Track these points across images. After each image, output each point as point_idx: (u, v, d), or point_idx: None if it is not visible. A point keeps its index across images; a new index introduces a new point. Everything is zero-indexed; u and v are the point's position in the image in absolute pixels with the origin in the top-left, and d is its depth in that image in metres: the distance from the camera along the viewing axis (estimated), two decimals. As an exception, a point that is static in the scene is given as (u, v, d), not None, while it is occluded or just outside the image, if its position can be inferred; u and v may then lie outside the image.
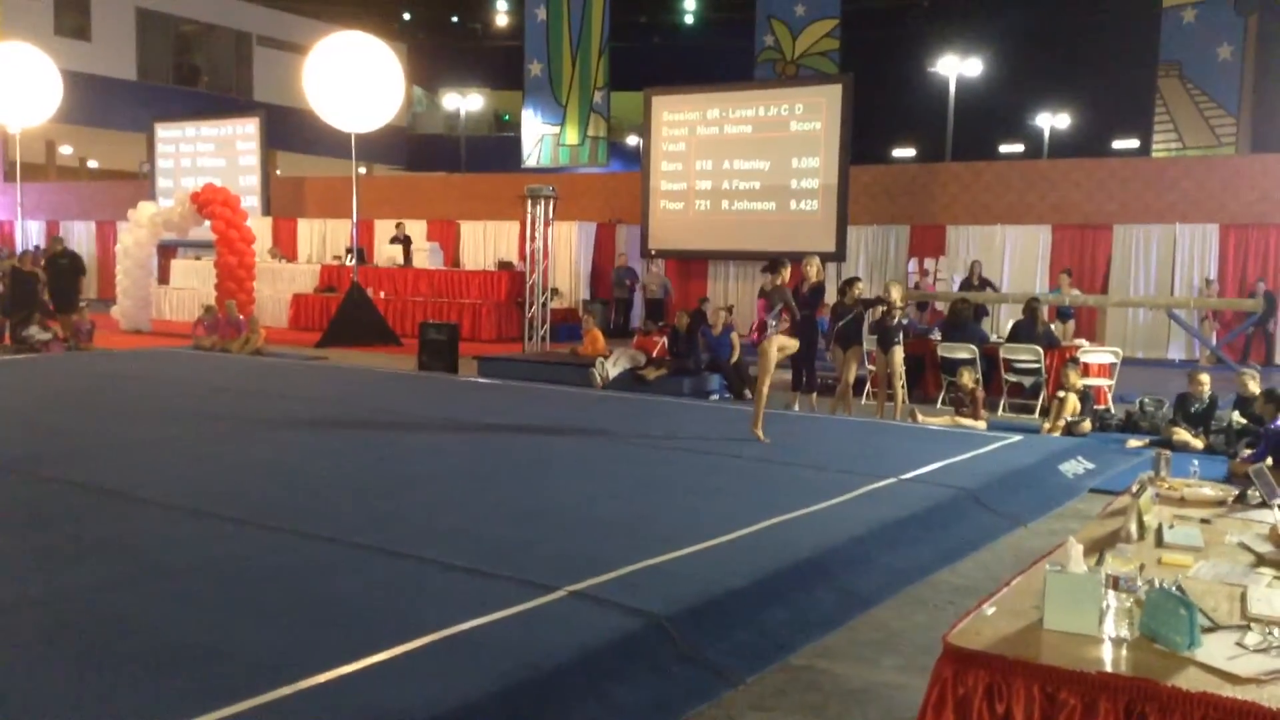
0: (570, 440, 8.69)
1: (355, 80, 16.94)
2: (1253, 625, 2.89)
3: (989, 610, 3.01)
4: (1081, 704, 2.58)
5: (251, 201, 24.20)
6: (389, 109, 17.83)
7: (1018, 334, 11.93)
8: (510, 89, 33.57)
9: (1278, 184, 17.05)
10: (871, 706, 3.92)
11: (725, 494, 6.66)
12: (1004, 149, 34.60)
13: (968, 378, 10.55)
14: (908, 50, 32.71)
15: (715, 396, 12.28)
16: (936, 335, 12.64)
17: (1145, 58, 22.81)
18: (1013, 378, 11.58)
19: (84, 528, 5.53)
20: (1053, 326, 13.07)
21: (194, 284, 22.19)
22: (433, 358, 14.01)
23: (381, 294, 19.92)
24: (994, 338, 12.90)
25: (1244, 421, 8.88)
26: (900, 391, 10.72)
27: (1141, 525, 3.86)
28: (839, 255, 18.30)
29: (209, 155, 26.26)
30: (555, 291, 18.86)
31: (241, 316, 16.63)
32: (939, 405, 11.41)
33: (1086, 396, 10.26)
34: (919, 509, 6.39)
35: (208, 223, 19.25)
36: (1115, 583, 2.86)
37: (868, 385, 11.86)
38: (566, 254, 20.78)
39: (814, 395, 11.03)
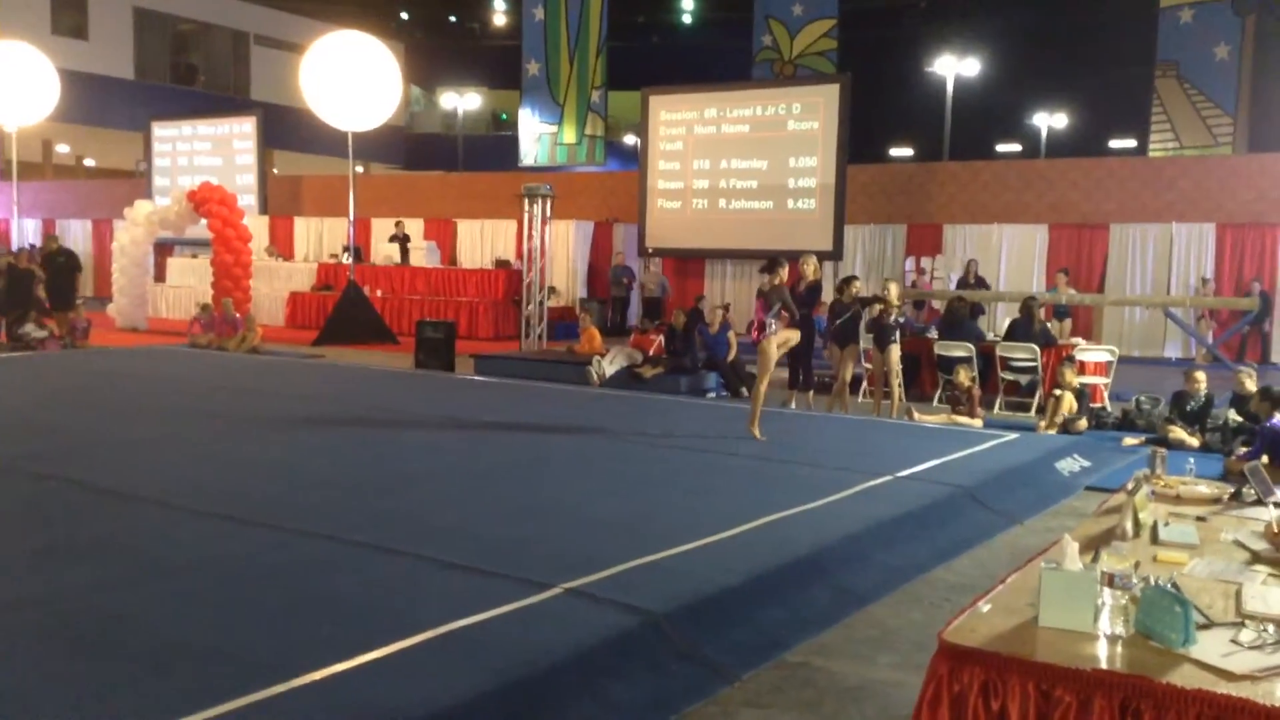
0: (567, 438, 8.69)
1: (352, 79, 16.94)
2: (1247, 622, 2.90)
3: (984, 607, 3.01)
4: (1077, 701, 2.59)
5: (248, 200, 24.20)
6: (386, 108, 17.84)
7: (1014, 332, 11.94)
8: (508, 88, 33.58)
9: (1274, 184, 17.08)
10: (868, 704, 3.93)
11: (722, 492, 6.67)
12: (1001, 148, 34.64)
13: (964, 376, 10.56)
14: (905, 50, 32.75)
15: (712, 395, 12.28)
16: (933, 334, 12.65)
17: (1142, 57, 22.83)
18: (1009, 376, 11.59)
19: (81, 526, 5.52)
20: (1049, 325, 13.09)
21: (191, 282, 22.18)
22: (430, 356, 14.00)
23: (378, 292, 19.91)
24: (990, 336, 12.91)
25: (1240, 419, 8.89)
26: (897, 390, 10.73)
27: (1137, 523, 3.86)
28: (836, 254, 18.31)
29: (206, 154, 26.24)
30: (552, 290, 18.86)
31: (238, 315, 16.62)
32: (935, 403, 11.42)
33: (1083, 395, 10.28)
34: (915, 507, 6.39)
35: (204, 221, 19.24)
36: (1110, 580, 2.86)
37: (864, 383, 11.87)
38: (564, 253, 20.78)
39: (811, 393, 11.03)
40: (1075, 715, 2.58)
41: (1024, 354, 11.41)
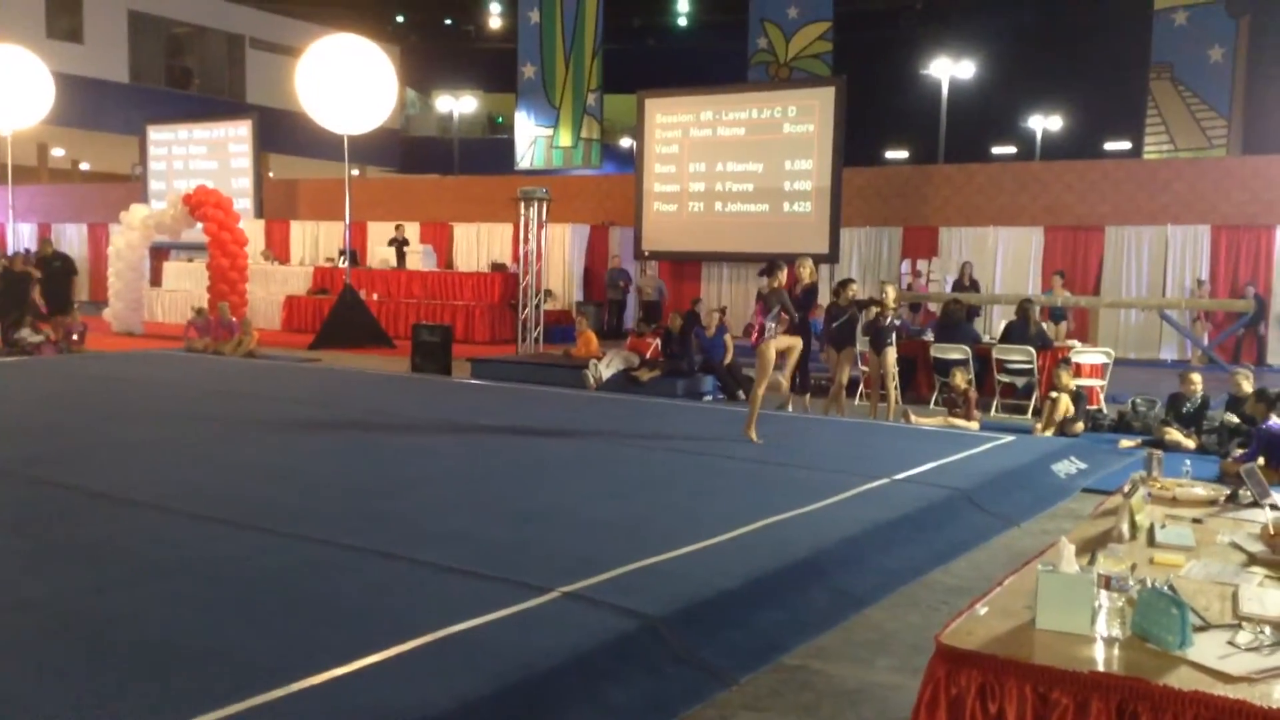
0: (564, 442, 8.69)
1: (348, 82, 16.93)
2: (1244, 624, 2.90)
3: (981, 610, 3.02)
4: (1074, 703, 2.59)
5: (244, 204, 24.19)
6: (382, 111, 17.84)
7: (1010, 335, 11.96)
8: (503, 91, 33.61)
9: (1268, 185, 17.12)
10: (865, 707, 3.93)
11: (719, 495, 6.67)
12: (996, 151, 34.71)
13: (960, 378, 10.57)
14: (900, 53, 32.80)
15: (709, 398, 12.29)
16: (929, 336, 12.66)
17: (1137, 60, 22.88)
18: (1005, 378, 11.61)
19: (78, 529, 5.52)
20: (1045, 327, 13.11)
21: (186, 286, 22.15)
22: (426, 360, 14.00)
23: (374, 296, 19.90)
24: (986, 338, 12.93)
25: (1237, 422, 8.90)
26: (893, 392, 10.74)
27: (1133, 525, 3.87)
28: (832, 257, 18.33)
29: (201, 158, 26.22)
30: (549, 293, 18.85)
31: (234, 319, 16.60)
32: (932, 406, 11.44)
33: (1079, 397, 10.29)
34: (912, 509, 6.40)
35: (200, 225, 19.22)
36: (1107, 582, 2.86)
37: (861, 386, 11.88)
38: (560, 256, 20.78)
39: (807, 396, 11.04)
40: (1072, 717, 2.59)
41: (1020, 356, 11.42)
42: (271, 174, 30.54)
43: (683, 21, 35.10)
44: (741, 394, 11.91)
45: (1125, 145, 29.80)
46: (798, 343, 9.04)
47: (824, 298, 12.61)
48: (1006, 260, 18.38)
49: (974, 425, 10.11)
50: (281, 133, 29.17)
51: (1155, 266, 17.39)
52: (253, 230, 22.60)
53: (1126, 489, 4.19)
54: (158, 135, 26.90)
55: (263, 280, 21.75)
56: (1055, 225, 18.29)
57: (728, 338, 12.66)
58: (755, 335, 8.75)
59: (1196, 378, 9.66)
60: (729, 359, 12.47)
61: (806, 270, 10.03)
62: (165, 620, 4.18)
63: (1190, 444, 9.14)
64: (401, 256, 21.24)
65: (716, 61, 30.59)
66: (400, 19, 39.75)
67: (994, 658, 2.70)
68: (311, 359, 15.42)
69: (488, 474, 7.24)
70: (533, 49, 26.68)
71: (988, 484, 7.24)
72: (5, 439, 8.19)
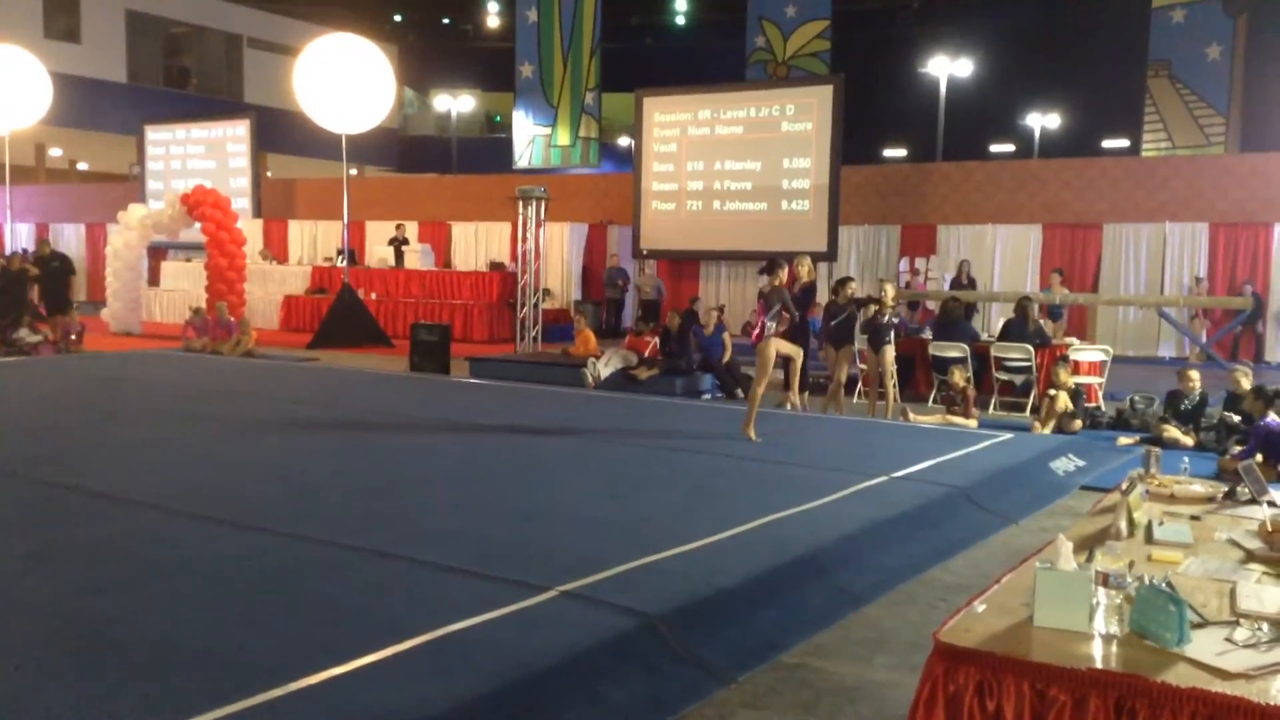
0: (562, 440, 8.70)
1: (346, 82, 16.92)
2: (1242, 621, 2.91)
3: (979, 607, 3.02)
4: (1072, 700, 2.59)
5: (242, 203, 24.17)
6: (380, 111, 17.83)
7: (1009, 332, 11.96)
8: (501, 90, 33.61)
9: (1266, 183, 17.13)
10: (864, 704, 3.93)
11: (717, 493, 6.67)
12: (994, 149, 34.72)
13: (959, 376, 10.57)
14: (898, 51, 32.81)
15: (707, 396, 12.29)
16: (928, 334, 12.66)
17: (1135, 57, 22.89)
18: (1004, 376, 11.61)
19: (77, 529, 5.51)
20: (1043, 325, 13.12)
21: (185, 286, 22.14)
22: (424, 359, 14.00)
23: (373, 295, 19.90)
24: (985, 336, 12.93)
25: (1236, 420, 8.89)
26: (892, 390, 10.74)
27: (1131, 522, 3.87)
28: (830, 255, 18.33)
29: (199, 157, 26.20)
30: (547, 292, 18.85)
31: (232, 318, 16.60)
32: (930, 404, 11.44)
33: (1077, 394, 10.30)
34: (910, 507, 6.40)
35: (198, 225, 19.21)
36: (1105, 579, 2.86)
37: (860, 384, 11.88)
38: (558, 255, 20.77)
39: (805, 394, 11.04)
40: (1070, 714, 2.59)
41: (1019, 354, 11.43)
42: (269, 173, 30.53)
43: (681, 20, 35.14)
44: (740, 392, 11.92)
45: (1123, 143, 29.82)
46: (799, 353, 9.05)
47: (822, 296, 12.62)
48: (1005, 258, 18.39)
49: (972, 423, 10.12)
50: (279, 132, 29.15)
51: (1153, 264, 17.40)
52: (251, 230, 22.59)
53: (1125, 486, 4.19)
54: (155, 135, 26.88)
55: (261, 280, 21.74)
56: (1053, 223, 18.29)
57: (726, 336, 12.66)
58: (756, 334, 8.76)
59: (1195, 375, 9.67)
60: (727, 357, 12.47)
61: (805, 268, 10.04)
62: (164, 620, 4.18)
63: (1188, 441, 9.14)
64: (400, 256, 21.24)
65: (714, 60, 30.61)
66: (398, 18, 39.77)
67: (992, 655, 2.70)
68: (310, 358, 15.41)
69: (486, 473, 7.24)
70: (530, 48, 26.67)
71: (986, 482, 7.25)
72: (4, 439, 8.20)
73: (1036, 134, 34.36)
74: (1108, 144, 31.63)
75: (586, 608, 4.38)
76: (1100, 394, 11.36)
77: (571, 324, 16.68)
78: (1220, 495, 4.51)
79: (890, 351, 10.62)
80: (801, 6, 24.43)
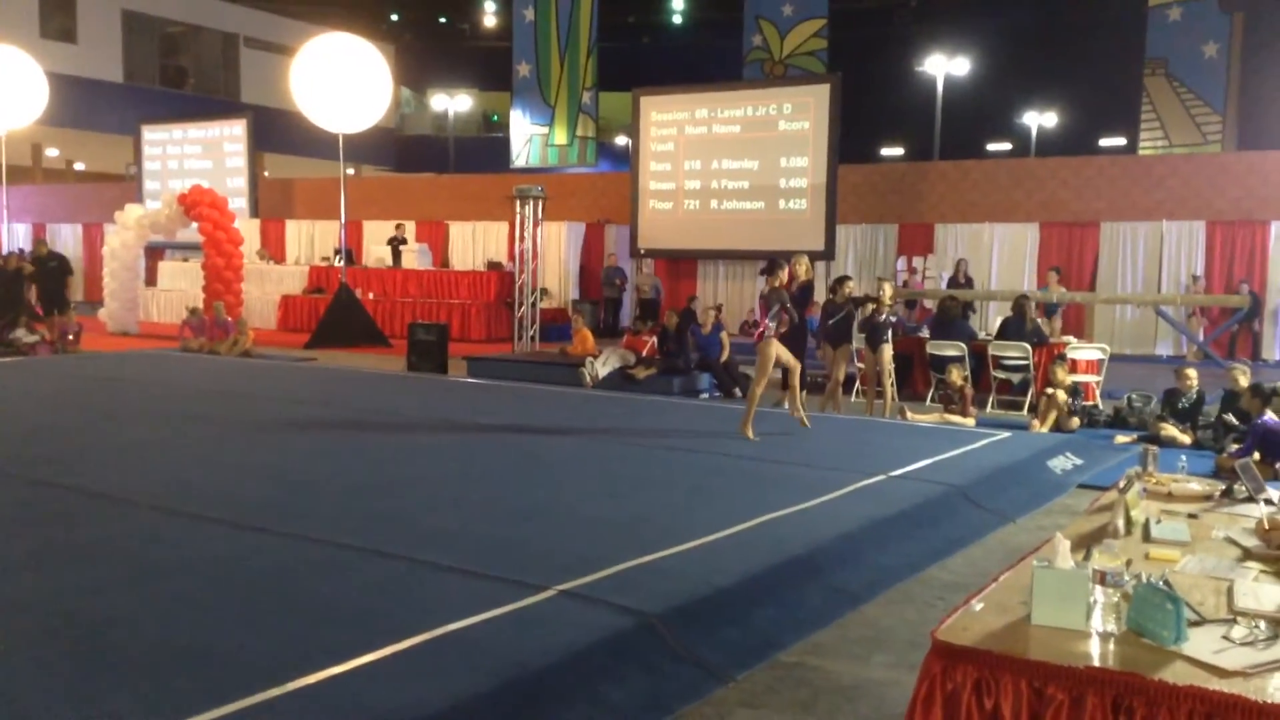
0: (560, 440, 8.70)
1: (343, 81, 16.92)
2: (1239, 619, 2.91)
3: (977, 606, 3.02)
4: (1069, 698, 2.59)
5: (239, 203, 24.15)
6: (377, 110, 17.82)
7: (1006, 331, 11.97)
8: (498, 89, 33.59)
9: (1263, 181, 17.14)
10: (862, 703, 3.94)
11: (715, 492, 6.67)
12: (992, 147, 34.72)
13: (956, 375, 10.58)
14: (895, 50, 32.80)
15: (705, 395, 12.29)
16: (925, 333, 12.67)
17: (1131, 56, 22.91)
18: (1001, 375, 11.62)
19: (75, 530, 5.51)
20: (1040, 323, 13.13)
21: (182, 286, 22.14)
22: (422, 358, 13.99)
23: (370, 295, 19.89)
24: (982, 335, 12.94)
25: (1237, 423, 8.87)
26: (889, 389, 10.75)
27: (1129, 520, 3.87)
28: (828, 254, 18.34)
29: (196, 157, 26.18)
30: (544, 291, 18.85)
31: (230, 318, 16.59)
32: (928, 402, 11.45)
33: (1075, 393, 10.30)
34: (908, 506, 6.41)
35: (195, 225, 19.20)
36: (1102, 578, 2.86)
37: (857, 383, 11.88)
38: (555, 254, 20.77)
39: (803, 393, 11.02)
40: (1068, 713, 2.59)
41: (1016, 353, 11.44)
42: (266, 173, 30.51)
43: (678, 19, 35.14)
44: (738, 391, 11.92)
45: (1120, 141, 29.84)
46: (797, 367, 9.05)
47: (820, 295, 12.62)
48: (1002, 257, 18.40)
49: (970, 421, 10.12)
50: (276, 132, 29.14)
51: (1150, 262, 17.42)
52: (248, 230, 22.57)
53: (1122, 484, 4.19)
54: (152, 135, 26.85)
55: (258, 280, 21.73)
56: (1050, 221, 18.31)
57: (724, 335, 12.66)
58: (759, 334, 8.80)
59: (1192, 373, 9.67)
60: (725, 356, 12.46)
61: (802, 267, 10.03)
62: (162, 620, 4.18)
63: (1186, 439, 9.15)
64: (397, 255, 21.23)
65: (711, 59, 30.61)
66: (395, 17, 39.75)
67: (990, 653, 2.70)
68: (307, 358, 15.40)
69: (484, 472, 7.24)
70: (528, 47, 26.66)
71: (984, 480, 7.25)
72: (1, 440, 8.18)
73: (1033, 133, 34.38)
74: (1105, 142, 31.65)
75: (585, 607, 4.38)
76: (1098, 392, 11.37)
77: (569, 323, 16.66)
78: (1217, 493, 4.51)
79: (888, 350, 10.62)
80: (798, 5, 24.44)
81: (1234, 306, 15.31)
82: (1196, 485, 4.65)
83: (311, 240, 24.17)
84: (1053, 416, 9.91)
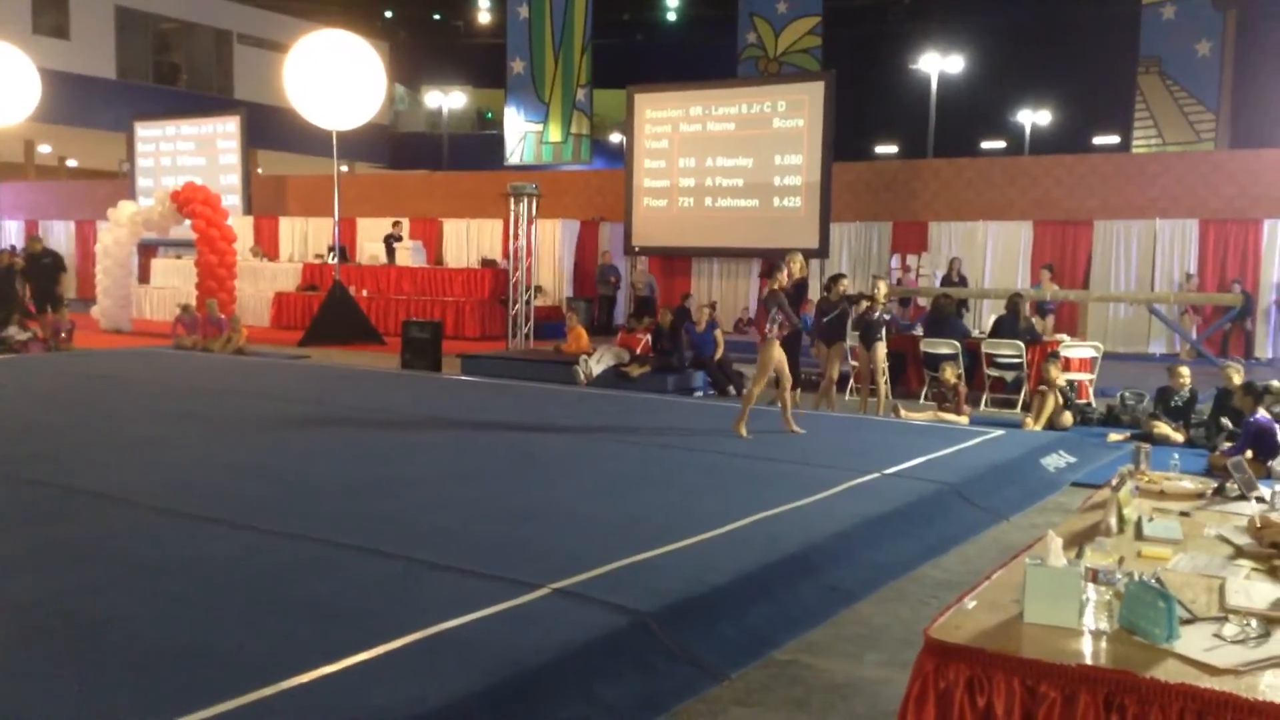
0: (554, 438, 8.70)
1: (336, 78, 16.88)
2: (1231, 617, 2.92)
3: (970, 604, 3.03)
4: (1061, 696, 2.60)
5: (232, 200, 24.10)
6: (370, 107, 17.79)
7: (1000, 329, 11.99)
8: (493, 87, 33.50)
9: (1256, 179, 17.18)
10: (855, 701, 3.95)
11: (709, 490, 6.68)
12: (985, 145, 34.74)
13: (950, 373, 10.60)
14: (890, 47, 32.79)
15: (699, 393, 12.29)
16: (919, 331, 12.69)
17: (1125, 54, 22.96)
18: (995, 373, 11.64)
19: (69, 529, 5.50)
20: (1034, 321, 13.15)
21: (175, 283, 22.08)
22: (416, 356, 13.98)
23: (364, 292, 19.86)
24: (976, 333, 12.96)
25: (1231, 426, 8.88)
26: (883, 387, 10.76)
27: (1121, 518, 3.89)
28: (822, 252, 18.35)
29: (189, 154, 26.12)
30: (539, 289, 18.84)
31: (223, 316, 16.56)
32: (922, 400, 11.47)
33: (1069, 391, 10.32)
34: (902, 504, 6.42)
35: (188, 222, 19.16)
36: (1095, 576, 2.88)
37: (851, 381, 11.90)
38: (550, 252, 20.76)
39: (797, 391, 11.04)
40: (1060, 711, 2.60)
41: (1009, 351, 11.46)
42: (260, 170, 30.44)
43: (672, 16, 35.08)
44: (732, 389, 11.93)
45: (1114, 139, 29.88)
46: (789, 379, 9.06)
47: (814, 293, 12.63)
48: (995, 255, 18.43)
49: (963, 419, 10.14)
50: (270, 129, 29.07)
51: (1144, 260, 17.46)
52: (241, 227, 22.53)
53: (1115, 482, 4.21)
54: (145, 132, 26.78)
55: (251, 277, 21.68)
56: (1044, 219, 18.34)
57: (718, 333, 12.67)
58: (760, 336, 8.88)
59: (1185, 371, 9.70)
60: (719, 354, 12.47)
61: (796, 265, 10.06)
62: (157, 619, 4.18)
63: (1179, 437, 9.18)
64: (391, 252, 21.20)
65: (706, 56, 30.56)
66: (389, 14, 39.64)
67: (982, 651, 2.71)
68: (301, 356, 15.39)
69: (478, 471, 7.24)
70: (522, 44, 26.64)
71: (977, 478, 7.27)
72: (-6, 438, 8.17)
73: (1027, 131, 34.42)
74: (1098, 140, 31.70)
75: (579, 605, 4.39)
76: (1091, 390, 11.39)
77: (563, 321, 16.66)
78: (1210, 491, 4.53)
79: (882, 348, 10.64)
80: (793, 3, 24.46)
81: (1227, 305, 15.34)
82: (1189, 483, 4.67)
83: (305, 237, 24.13)
84: (1046, 414, 9.93)
